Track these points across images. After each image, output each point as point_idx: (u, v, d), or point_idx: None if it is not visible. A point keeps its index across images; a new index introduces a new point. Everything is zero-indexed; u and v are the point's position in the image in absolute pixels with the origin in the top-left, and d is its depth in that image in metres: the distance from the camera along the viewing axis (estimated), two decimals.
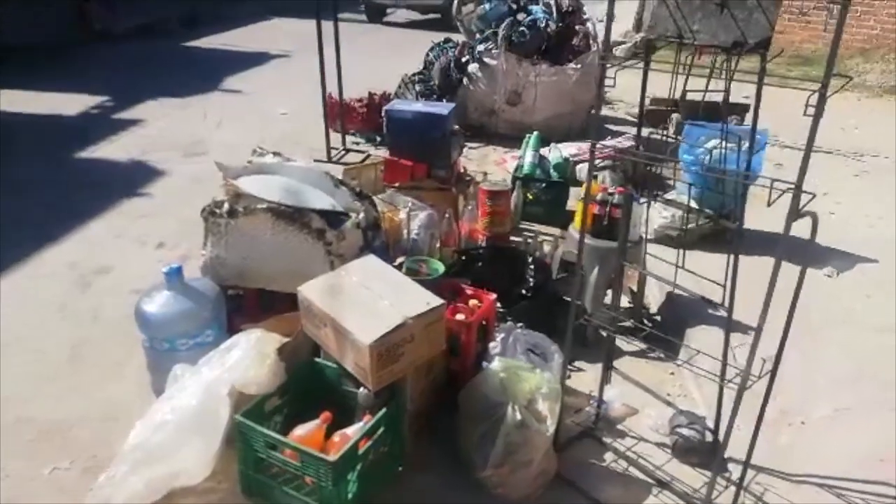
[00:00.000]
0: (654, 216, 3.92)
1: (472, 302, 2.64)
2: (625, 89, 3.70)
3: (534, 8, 6.00)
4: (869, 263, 4.16)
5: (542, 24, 5.79)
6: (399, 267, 2.70)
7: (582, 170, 5.07)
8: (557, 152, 4.48)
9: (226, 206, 2.64)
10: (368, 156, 5.31)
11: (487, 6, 6.04)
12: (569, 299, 2.68)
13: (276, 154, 2.97)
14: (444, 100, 5.83)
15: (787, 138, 6.54)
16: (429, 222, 3.28)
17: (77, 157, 5.46)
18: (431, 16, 13.11)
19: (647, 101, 6.91)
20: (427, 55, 6.40)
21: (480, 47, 5.90)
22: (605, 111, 7.10)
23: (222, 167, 2.75)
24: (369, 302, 2.17)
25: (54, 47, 9.10)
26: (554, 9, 6.04)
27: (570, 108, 6.08)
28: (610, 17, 2.20)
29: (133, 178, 5.00)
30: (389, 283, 2.30)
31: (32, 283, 3.50)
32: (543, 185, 4.31)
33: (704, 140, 3.79)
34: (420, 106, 3.82)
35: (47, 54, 8.87)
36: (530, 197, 4.27)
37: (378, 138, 5.95)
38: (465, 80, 6.04)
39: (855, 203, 5.16)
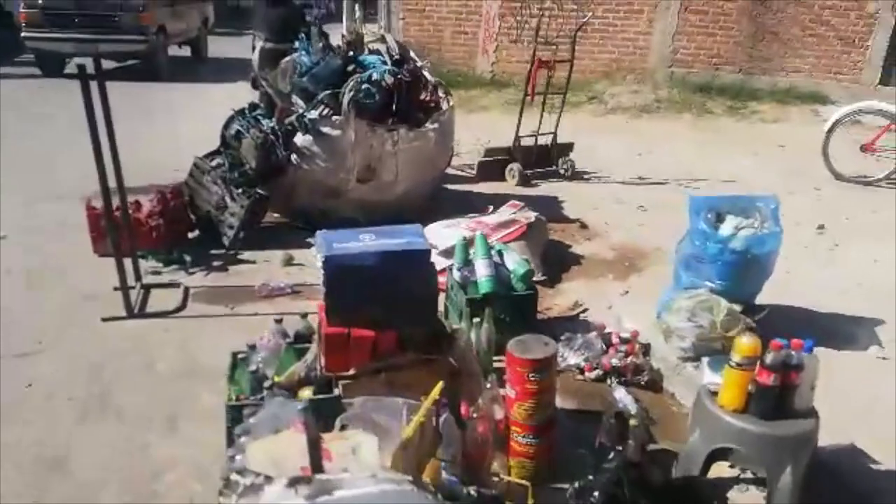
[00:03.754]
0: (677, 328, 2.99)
1: None
2: None
3: (369, 59, 4.72)
4: None
5: (385, 80, 4.53)
6: None
7: None
8: (514, 256, 3.31)
9: None
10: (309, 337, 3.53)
11: (307, 59, 4.57)
12: None
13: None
14: (258, 186, 4.31)
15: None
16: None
17: None
18: (130, 62, 10.77)
19: (480, 153, 6.34)
20: (226, 129, 4.67)
21: (313, 114, 4.42)
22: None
23: None
24: None
25: None
26: (387, 57, 4.83)
27: (431, 175, 4.96)
28: None
29: None
30: None
31: None
32: (509, 303, 3.12)
33: (711, 217, 2.98)
34: (373, 239, 2.36)
35: None
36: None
37: (188, 258, 4.10)
38: (293, 159, 4.50)
39: None
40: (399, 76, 4.57)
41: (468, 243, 3.35)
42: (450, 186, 5.90)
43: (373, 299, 2.29)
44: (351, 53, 4.84)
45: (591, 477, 1.95)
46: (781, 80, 9.72)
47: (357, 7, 21.10)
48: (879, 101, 6.59)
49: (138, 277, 3.81)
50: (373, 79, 4.51)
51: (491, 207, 4.73)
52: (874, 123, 6.55)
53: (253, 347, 2.55)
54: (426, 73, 4.94)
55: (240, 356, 2.59)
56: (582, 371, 3.02)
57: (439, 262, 4.06)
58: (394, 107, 4.56)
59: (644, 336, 3.18)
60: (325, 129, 4.43)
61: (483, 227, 4.34)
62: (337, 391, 2.34)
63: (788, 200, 5.67)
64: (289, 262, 4.23)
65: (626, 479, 1.91)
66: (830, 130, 6.31)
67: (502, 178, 6.17)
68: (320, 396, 2.31)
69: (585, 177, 6.44)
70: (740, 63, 9.87)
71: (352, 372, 2.34)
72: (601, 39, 10.36)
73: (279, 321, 2.74)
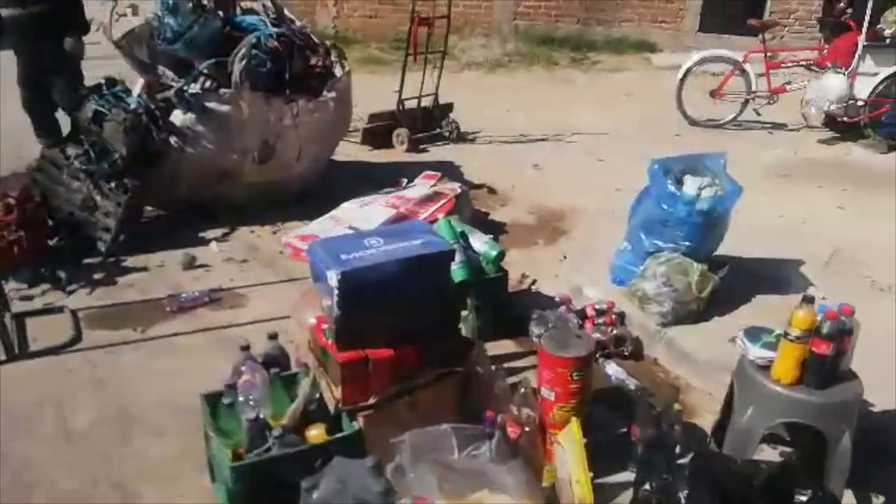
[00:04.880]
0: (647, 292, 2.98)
1: None
2: None
3: (248, 20, 4.09)
4: None
5: (271, 44, 3.97)
6: None
7: None
8: (480, 236, 3.05)
9: None
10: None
11: (173, 22, 3.85)
12: None
13: None
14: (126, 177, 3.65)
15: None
16: None
17: None
18: None
19: (362, 119, 5.91)
20: (79, 111, 3.84)
21: (194, 88, 3.76)
22: None
23: None
24: None
25: None
26: (266, 17, 4.24)
27: (331, 148, 4.52)
28: None
29: None
30: None
31: None
32: (483, 289, 2.91)
33: (671, 179, 2.99)
34: (381, 243, 1.99)
35: None
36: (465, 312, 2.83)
37: (62, 274, 3.36)
38: (173, 141, 3.83)
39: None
40: (289, 39, 4.02)
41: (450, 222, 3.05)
42: (336, 158, 5.45)
43: (393, 313, 1.96)
44: (221, 13, 4.17)
45: (666, 476, 1.85)
46: (615, 30, 10.22)
47: None
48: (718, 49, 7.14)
49: (4, 306, 3.03)
50: (260, 43, 3.92)
51: (405, 180, 4.41)
52: (718, 70, 7.11)
53: (232, 387, 2.09)
54: (312, 35, 4.42)
55: (212, 398, 2.12)
56: None
57: None
58: (286, 75, 4.02)
59: (602, 299, 3.15)
60: (212, 105, 3.80)
61: (405, 203, 4.05)
62: (356, 425, 1.99)
63: (655, 148, 6.03)
64: (191, 264, 3.63)
65: (697, 471, 1.83)
66: (683, 79, 6.71)
67: (389, 145, 5.83)
68: (340, 435, 1.96)
69: (469, 137, 6.29)
70: (578, 14, 10.21)
71: (373, 401, 2.00)
72: None
73: (246, 348, 2.28)
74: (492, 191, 4.94)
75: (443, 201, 3.97)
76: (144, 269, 3.59)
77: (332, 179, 4.74)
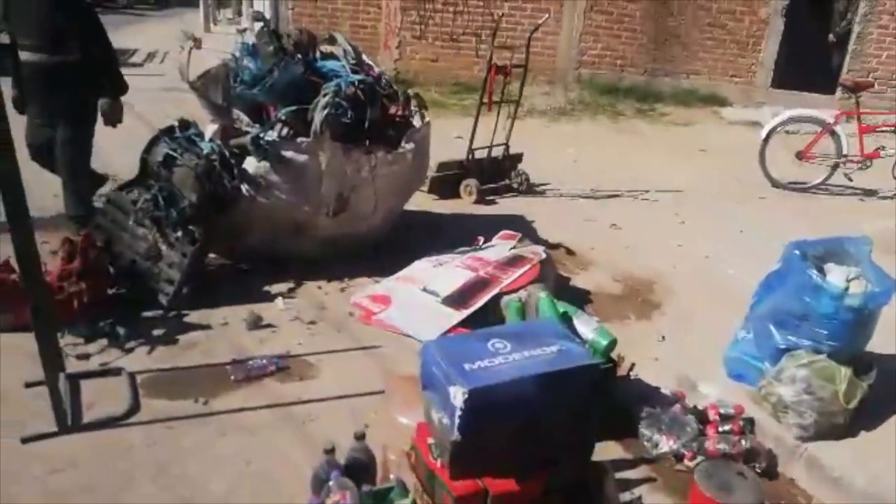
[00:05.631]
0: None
1: None
2: None
3: (328, 65, 3.87)
4: None
5: (351, 91, 3.73)
6: None
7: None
8: (586, 320, 2.68)
9: None
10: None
11: (252, 65, 3.66)
12: None
13: None
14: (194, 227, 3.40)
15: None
16: None
17: None
18: None
19: (431, 169, 5.65)
20: (149, 154, 3.64)
21: (271, 134, 3.54)
22: None
23: None
24: None
25: None
26: (346, 62, 4.02)
27: (405, 201, 4.25)
28: None
29: None
30: None
31: None
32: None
33: (811, 266, 2.60)
34: (509, 348, 1.66)
35: None
36: None
37: (121, 331, 3.10)
38: (245, 189, 3.60)
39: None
40: (372, 87, 3.79)
41: (523, 305, 2.71)
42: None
43: (520, 436, 1.61)
44: (300, 56, 3.96)
45: None
46: (684, 82, 9.91)
47: None
48: (805, 108, 6.75)
49: (58, 366, 2.77)
50: (340, 90, 3.69)
51: (482, 239, 4.10)
52: (805, 130, 6.71)
53: None
54: (392, 82, 4.19)
55: None
56: (681, 459, 2.52)
57: (443, 313, 3.45)
58: (365, 124, 3.77)
59: (726, 400, 2.75)
60: (289, 154, 3.56)
61: (485, 266, 3.73)
62: None
63: (739, 210, 5.66)
64: (256, 324, 3.34)
65: None
66: (766, 139, 6.33)
67: (456, 195, 5.55)
68: None
69: (537, 190, 5.99)
70: (644, 65, 9.94)
71: None
72: (508, 40, 9.99)
73: (331, 451, 1.96)
74: (569, 252, 4.60)
75: (526, 267, 3.63)
76: (207, 326, 3.32)
77: (400, 231, 4.47)
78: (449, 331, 3.30)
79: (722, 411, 2.61)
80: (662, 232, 5.15)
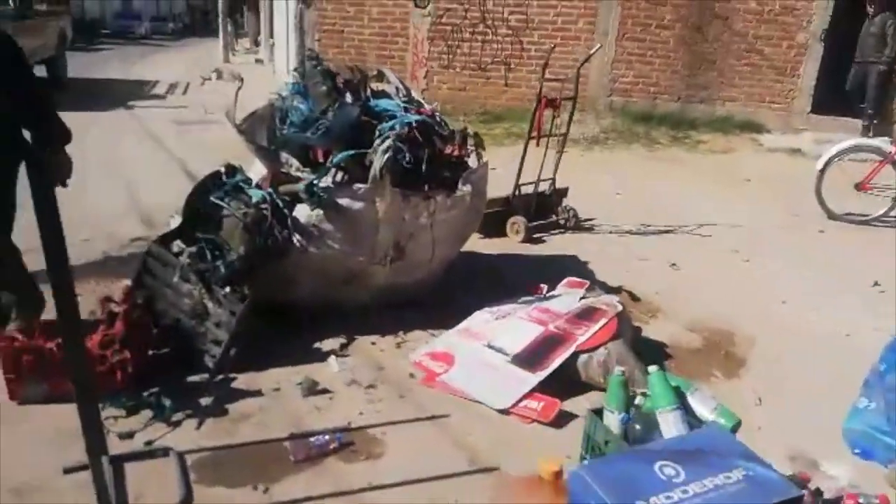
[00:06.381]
0: None
1: None
2: None
3: (382, 104, 3.61)
4: None
5: (407, 132, 3.47)
6: None
7: (588, 365, 3.11)
8: (702, 398, 2.36)
9: None
10: None
11: (304, 107, 3.40)
12: None
13: None
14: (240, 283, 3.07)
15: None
16: None
17: None
18: None
19: None
20: (193, 199, 3.38)
21: (325, 181, 3.27)
22: None
23: None
24: None
25: None
26: (399, 99, 3.77)
27: (461, 246, 3.96)
28: None
29: None
30: None
31: None
32: None
33: None
34: (682, 475, 1.35)
35: None
36: None
37: (166, 403, 2.81)
38: (296, 240, 3.32)
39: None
40: (430, 127, 3.52)
41: (627, 381, 2.39)
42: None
43: None
44: (352, 96, 3.71)
45: None
46: (718, 108, 9.65)
47: (229, 23, 19.33)
48: (870, 137, 6.46)
49: (102, 448, 2.47)
50: (397, 132, 3.43)
51: (545, 287, 3.80)
52: (860, 158, 6.40)
53: None
54: (446, 120, 3.93)
55: None
56: None
57: (515, 375, 3.14)
58: (423, 167, 3.50)
59: (859, 484, 2.41)
60: (345, 201, 3.28)
61: (554, 319, 3.42)
62: None
63: (802, 246, 5.33)
64: (311, 390, 3.04)
65: None
66: (823, 169, 6.02)
67: (502, 233, 5.27)
68: None
69: (585, 226, 5.70)
70: (678, 92, 9.69)
71: None
72: (537, 68, 9.78)
73: None
74: (634, 297, 4.27)
75: (602, 321, 3.31)
76: (258, 392, 3.01)
77: (451, 275, 4.17)
78: (524, 397, 2.99)
79: (862, 501, 2.27)
80: (726, 272, 4.83)
